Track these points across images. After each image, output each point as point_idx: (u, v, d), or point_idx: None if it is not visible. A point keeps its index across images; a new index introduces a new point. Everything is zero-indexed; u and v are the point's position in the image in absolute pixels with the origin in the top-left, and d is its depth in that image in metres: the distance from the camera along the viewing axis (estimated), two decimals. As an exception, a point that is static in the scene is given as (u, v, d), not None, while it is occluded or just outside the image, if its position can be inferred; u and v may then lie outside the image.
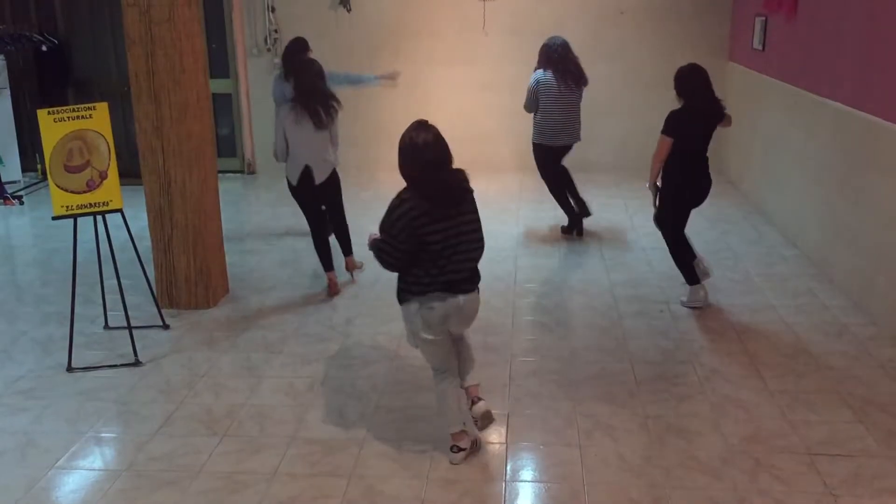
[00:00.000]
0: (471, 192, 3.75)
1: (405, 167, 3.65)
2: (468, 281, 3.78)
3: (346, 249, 6.25)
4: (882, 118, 5.27)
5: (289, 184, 5.85)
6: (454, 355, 3.95)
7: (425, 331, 3.74)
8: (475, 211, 3.76)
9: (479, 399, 4.06)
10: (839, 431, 4.06)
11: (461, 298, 3.74)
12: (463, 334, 4.09)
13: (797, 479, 3.69)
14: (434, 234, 3.59)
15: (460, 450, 3.86)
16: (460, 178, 3.69)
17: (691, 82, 5.41)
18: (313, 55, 6.45)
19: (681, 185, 5.54)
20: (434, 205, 3.57)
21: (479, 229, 3.76)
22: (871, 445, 3.94)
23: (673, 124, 5.39)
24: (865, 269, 5.47)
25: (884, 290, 5.21)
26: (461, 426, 3.88)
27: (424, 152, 3.59)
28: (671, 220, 5.65)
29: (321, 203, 6.02)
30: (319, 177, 5.75)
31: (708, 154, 5.58)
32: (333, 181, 5.93)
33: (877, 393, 4.44)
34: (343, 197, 6.12)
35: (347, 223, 6.22)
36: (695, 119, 5.40)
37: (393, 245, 3.61)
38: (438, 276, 3.65)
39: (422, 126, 3.68)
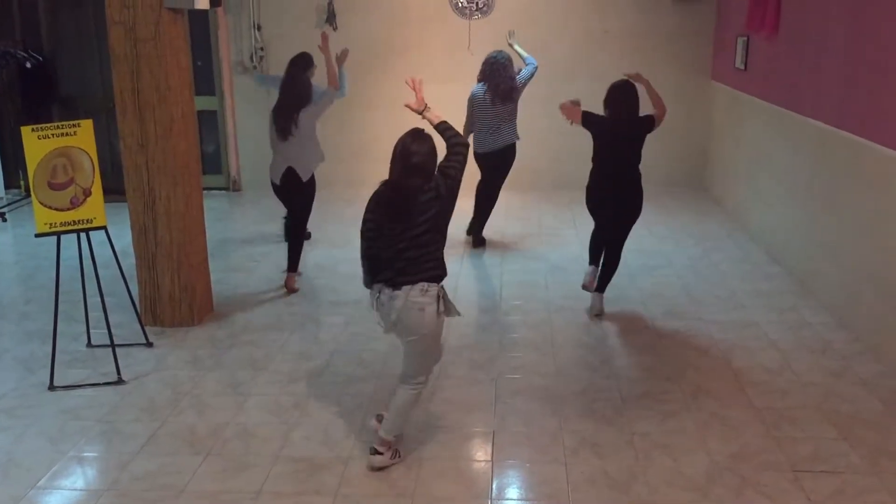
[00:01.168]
0: (420, 207, 3.71)
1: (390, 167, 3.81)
2: (393, 279, 3.77)
3: (291, 264, 6.51)
4: (863, 137, 5.33)
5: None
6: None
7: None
8: (418, 225, 3.73)
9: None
10: (824, 448, 4.08)
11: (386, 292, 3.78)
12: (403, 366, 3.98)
13: (782, 495, 3.70)
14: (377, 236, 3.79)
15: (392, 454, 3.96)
16: (412, 192, 3.71)
17: (614, 95, 5.60)
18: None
19: (589, 184, 5.82)
20: (382, 210, 3.76)
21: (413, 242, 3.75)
22: (855, 462, 3.96)
23: (590, 117, 5.62)
24: (849, 286, 5.52)
25: (867, 307, 5.25)
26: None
27: (402, 159, 3.74)
28: (590, 214, 5.97)
29: (290, 206, 6.50)
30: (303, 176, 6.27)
31: (632, 169, 5.63)
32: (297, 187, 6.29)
33: (861, 410, 4.46)
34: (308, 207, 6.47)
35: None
36: (613, 127, 5.58)
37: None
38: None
39: (413, 134, 3.79)
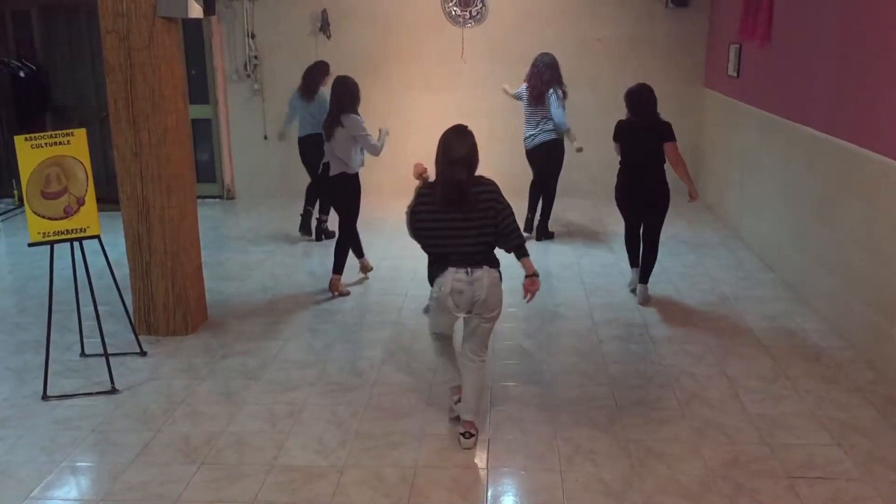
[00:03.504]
0: (474, 197, 3.99)
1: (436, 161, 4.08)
2: (462, 261, 4.03)
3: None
4: (855, 143, 5.36)
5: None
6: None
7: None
8: (476, 217, 4.00)
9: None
10: (818, 455, 4.09)
11: (461, 274, 4.02)
12: (476, 347, 4.25)
13: (777, 502, 3.70)
14: (428, 226, 4.07)
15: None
16: (466, 183, 3.98)
17: (632, 99, 6.08)
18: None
19: (616, 184, 6.28)
20: (437, 199, 4.03)
21: (473, 231, 4.01)
22: (849, 468, 3.96)
23: (615, 130, 6.22)
24: (842, 293, 5.53)
25: (860, 313, 5.26)
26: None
27: (448, 152, 3.99)
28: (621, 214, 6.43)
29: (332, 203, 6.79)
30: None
31: (654, 165, 6.02)
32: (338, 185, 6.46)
33: (854, 416, 4.47)
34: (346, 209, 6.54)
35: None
36: (632, 130, 6.05)
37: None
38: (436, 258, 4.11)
39: (456, 129, 4.08)
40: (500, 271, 4.15)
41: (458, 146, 3.99)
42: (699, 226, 8.40)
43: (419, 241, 4.19)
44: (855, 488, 3.80)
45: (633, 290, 6.33)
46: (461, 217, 3.99)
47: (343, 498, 3.78)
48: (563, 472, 3.97)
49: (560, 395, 4.79)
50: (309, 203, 8.11)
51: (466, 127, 4.10)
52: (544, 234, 7.96)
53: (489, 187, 4.05)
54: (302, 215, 8.12)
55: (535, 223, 7.97)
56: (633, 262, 6.40)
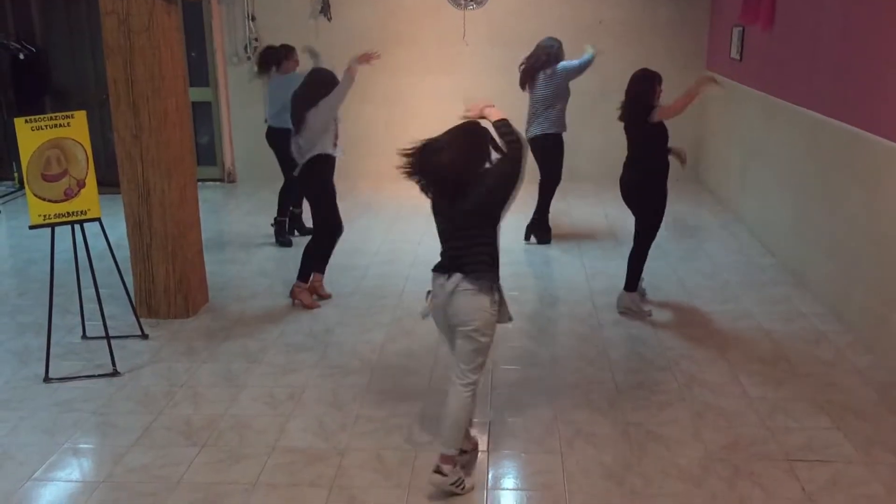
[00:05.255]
0: (469, 190, 3.53)
1: None
2: (448, 266, 3.60)
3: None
4: (858, 127, 5.34)
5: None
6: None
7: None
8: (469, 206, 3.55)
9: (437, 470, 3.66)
10: (817, 438, 4.10)
11: (440, 280, 3.59)
12: (460, 368, 3.65)
13: (776, 485, 3.72)
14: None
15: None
16: (463, 174, 3.54)
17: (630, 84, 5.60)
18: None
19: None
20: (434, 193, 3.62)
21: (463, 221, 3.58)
22: (849, 452, 3.98)
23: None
24: (842, 277, 5.53)
25: (860, 297, 5.26)
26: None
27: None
28: None
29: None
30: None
31: (638, 155, 5.57)
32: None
33: (854, 399, 4.48)
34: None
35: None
36: (621, 115, 5.61)
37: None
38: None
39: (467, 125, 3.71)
40: (489, 283, 3.61)
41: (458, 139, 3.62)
42: (700, 210, 8.39)
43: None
44: (854, 471, 3.82)
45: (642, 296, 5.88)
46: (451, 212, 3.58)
47: (344, 480, 3.79)
48: (563, 454, 3.98)
49: (560, 378, 4.80)
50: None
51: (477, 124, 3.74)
52: (535, 234, 7.40)
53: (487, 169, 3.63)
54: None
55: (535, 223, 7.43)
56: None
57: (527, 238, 7.37)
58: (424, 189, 3.65)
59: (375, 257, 6.96)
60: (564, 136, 7.29)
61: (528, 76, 7.20)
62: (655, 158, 5.53)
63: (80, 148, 4.85)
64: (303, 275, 5.94)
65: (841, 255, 5.55)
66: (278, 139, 6.88)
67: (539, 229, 7.39)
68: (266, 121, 7.33)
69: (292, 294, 5.94)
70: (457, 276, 3.53)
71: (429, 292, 3.71)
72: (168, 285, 5.65)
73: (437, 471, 3.62)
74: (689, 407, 4.43)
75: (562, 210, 8.36)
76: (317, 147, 5.62)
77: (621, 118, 5.62)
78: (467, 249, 3.57)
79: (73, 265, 5.12)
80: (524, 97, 7.38)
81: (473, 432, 3.98)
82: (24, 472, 3.89)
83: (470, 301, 3.54)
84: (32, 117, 4.83)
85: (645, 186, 5.55)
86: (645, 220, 5.63)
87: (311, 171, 5.70)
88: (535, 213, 7.38)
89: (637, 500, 3.62)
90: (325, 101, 5.53)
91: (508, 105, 8.37)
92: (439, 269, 3.64)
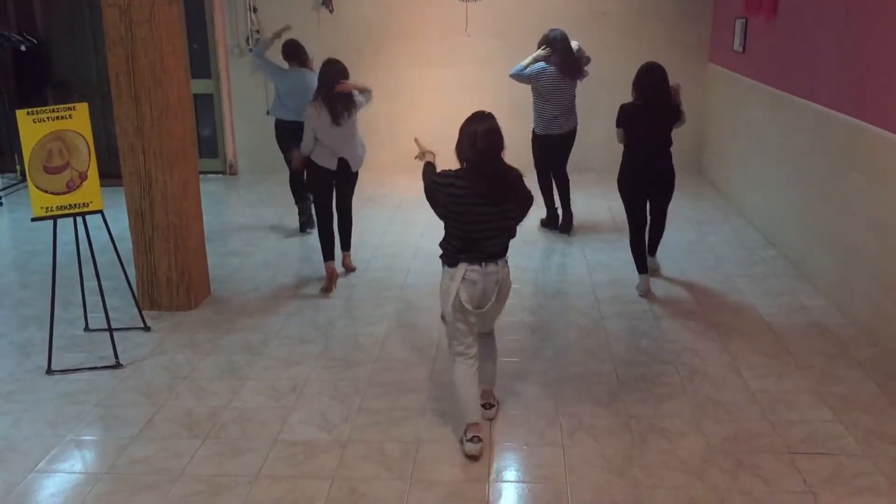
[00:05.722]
0: (510, 187, 3.91)
1: (462, 150, 3.91)
2: (489, 257, 3.95)
3: (347, 244, 6.47)
4: (860, 119, 5.32)
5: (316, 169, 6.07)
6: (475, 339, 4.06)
7: (448, 306, 3.94)
8: (504, 203, 3.91)
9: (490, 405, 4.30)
10: (819, 431, 4.10)
11: (481, 266, 3.91)
12: (491, 329, 4.26)
13: (778, 478, 3.72)
14: (468, 213, 3.86)
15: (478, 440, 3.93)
16: (501, 172, 3.90)
17: (643, 79, 5.73)
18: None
19: (624, 171, 5.90)
20: (476, 188, 3.83)
21: (502, 220, 3.94)
22: (850, 444, 3.98)
23: (619, 115, 5.84)
24: (844, 270, 5.52)
25: (862, 290, 5.26)
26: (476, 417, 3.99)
27: (477, 142, 3.83)
28: (624, 205, 6.01)
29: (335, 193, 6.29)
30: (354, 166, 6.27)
31: (666, 147, 5.81)
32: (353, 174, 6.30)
33: (856, 392, 4.48)
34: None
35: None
36: (644, 112, 5.72)
37: (433, 198, 4.03)
38: (463, 249, 3.91)
39: (480, 117, 3.93)
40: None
41: (491, 137, 3.86)
42: (702, 202, 8.37)
43: (448, 222, 4.00)
44: (856, 464, 3.82)
45: (643, 295, 5.89)
46: (494, 209, 3.89)
47: (346, 472, 3.80)
48: (565, 447, 3.98)
49: (562, 371, 4.80)
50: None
51: (489, 114, 3.97)
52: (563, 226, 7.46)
53: (516, 172, 3.97)
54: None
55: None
56: (642, 268, 5.96)
57: (566, 231, 7.38)
58: (465, 196, 3.87)
59: (377, 250, 6.96)
60: None
61: (579, 70, 7.30)
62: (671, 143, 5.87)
63: (82, 140, 4.85)
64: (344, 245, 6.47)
65: (843, 247, 5.54)
66: (291, 133, 6.93)
67: (567, 220, 7.44)
68: (268, 112, 7.31)
69: (344, 263, 6.42)
70: (501, 261, 4.02)
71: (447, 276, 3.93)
72: (170, 277, 5.65)
73: (488, 406, 4.25)
74: (690, 399, 4.43)
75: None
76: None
77: (647, 114, 5.69)
78: (500, 242, 4.01)
79: (75, 257, 5.12)
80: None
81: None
82: (27, 463, 3.90)
83: (509, 276, 4.11)
84: (34, 109, 4.83)
85: (673, 168, 5.88)
86: (669, 198, 5.99)
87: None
88: (567, 205, 7.42)
89: (639, 493, 3.63)
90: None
91: (510, 98, 8.44)
92: (481, 259, 3.93)
